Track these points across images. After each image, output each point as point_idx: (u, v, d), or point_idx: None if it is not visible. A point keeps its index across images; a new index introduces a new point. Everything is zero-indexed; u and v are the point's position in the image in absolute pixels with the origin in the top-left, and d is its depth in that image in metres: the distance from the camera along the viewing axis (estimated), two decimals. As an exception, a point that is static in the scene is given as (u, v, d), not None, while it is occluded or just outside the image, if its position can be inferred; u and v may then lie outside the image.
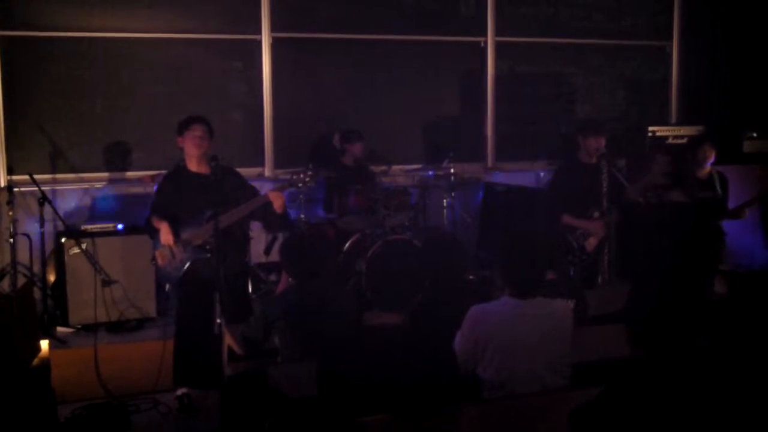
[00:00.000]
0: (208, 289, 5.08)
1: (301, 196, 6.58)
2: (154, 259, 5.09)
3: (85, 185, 6.57)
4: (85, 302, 5.62)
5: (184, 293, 5.14)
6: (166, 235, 4.94)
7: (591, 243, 5.80)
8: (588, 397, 2.48)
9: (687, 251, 4.51)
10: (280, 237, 6.53)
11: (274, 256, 6.26)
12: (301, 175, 5.27)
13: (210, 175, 4.97)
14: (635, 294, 2.49)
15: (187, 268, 4.99)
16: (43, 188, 5.69)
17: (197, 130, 5.07)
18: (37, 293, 5.73)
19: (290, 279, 4.27)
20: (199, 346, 5.11)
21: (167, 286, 5.45)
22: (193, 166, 5.13)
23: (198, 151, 5.08)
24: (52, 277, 6.05)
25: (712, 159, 6.21)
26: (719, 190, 6.29)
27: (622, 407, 2.40)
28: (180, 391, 5.14)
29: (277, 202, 5.05)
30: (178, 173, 5.16)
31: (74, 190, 6.55)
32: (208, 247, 4.88)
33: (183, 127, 5.12)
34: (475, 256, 7.15)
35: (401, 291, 3.09)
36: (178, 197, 5.08)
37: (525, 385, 3.31)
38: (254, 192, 5.20)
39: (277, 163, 7.12)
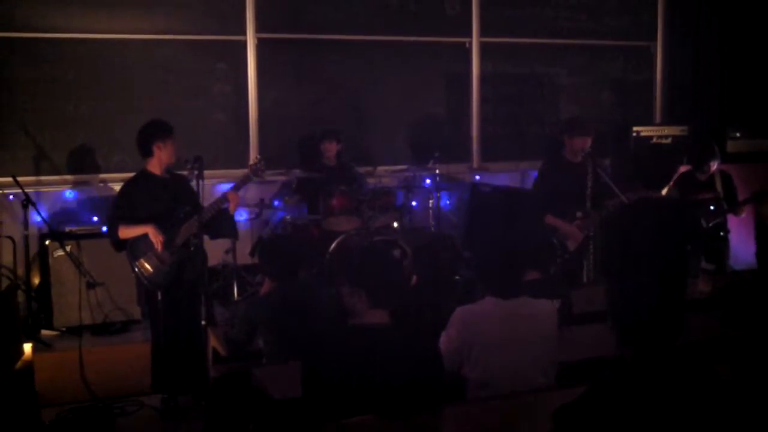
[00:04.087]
0: (190, 290, 5.04)
1: (286, 198, 6.56)
2: (137, 270, 4.93)
3: (69, 187, 6.54)
4: (70, 305, 5.60)
5: (167, 298, 5.01)
6: (156, 236, 4.84)
7: (572, 242, 5.82)
8: (572, 396, 2.49)
9: (667, 251, 4.53)
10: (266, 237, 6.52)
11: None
12: (256, 165, 5.24)
13: (169, 179, 5.04)
14: (613, 293, 2.50)
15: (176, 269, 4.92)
16: (26, 190, 5.66)
17: (174, 142, 5.05)
18: (21, 296, 5.71)
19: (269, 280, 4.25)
20: (181, 350, 5.08)
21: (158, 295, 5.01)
22: (157, 170, 5.04)
23: (174, 160, 5.07)
24: (36, 280, 6.02)
25: (715, 166, 6.44)
26: (720, 190, 6.38)
27: (606, 406, 2.41)
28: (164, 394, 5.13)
29: (234, 203, 5.09)
30: (144, 178, 5.05)
31: (58, 192, 6.52)
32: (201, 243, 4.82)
33: (165, 134, 5.02)
34: (461, 257, 7.15)
35: (387, 291, 3.08)
36: (149, 201, 4.97)
37: (510, 384, 3.31)
38: (197, 197, 4.97)
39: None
